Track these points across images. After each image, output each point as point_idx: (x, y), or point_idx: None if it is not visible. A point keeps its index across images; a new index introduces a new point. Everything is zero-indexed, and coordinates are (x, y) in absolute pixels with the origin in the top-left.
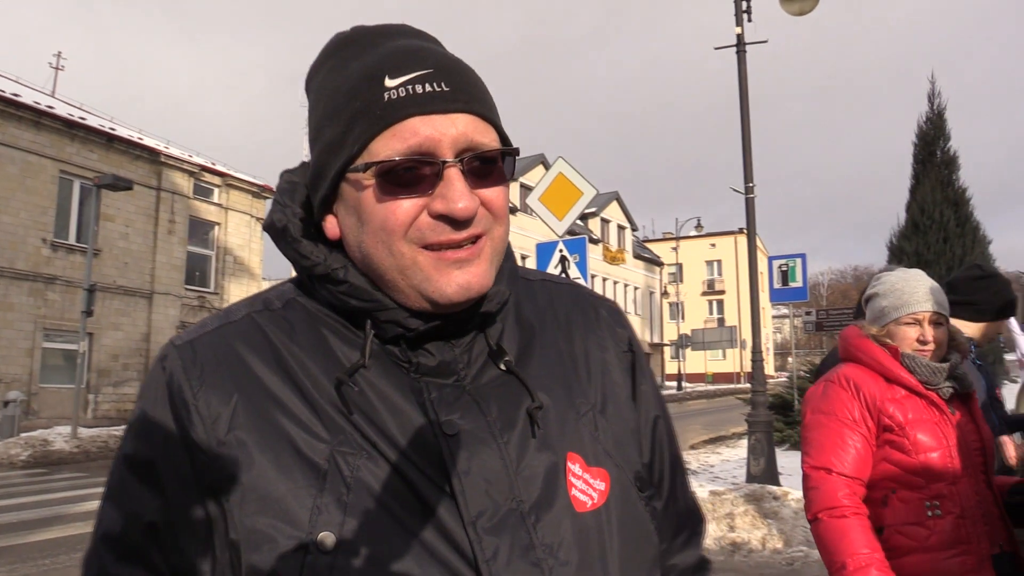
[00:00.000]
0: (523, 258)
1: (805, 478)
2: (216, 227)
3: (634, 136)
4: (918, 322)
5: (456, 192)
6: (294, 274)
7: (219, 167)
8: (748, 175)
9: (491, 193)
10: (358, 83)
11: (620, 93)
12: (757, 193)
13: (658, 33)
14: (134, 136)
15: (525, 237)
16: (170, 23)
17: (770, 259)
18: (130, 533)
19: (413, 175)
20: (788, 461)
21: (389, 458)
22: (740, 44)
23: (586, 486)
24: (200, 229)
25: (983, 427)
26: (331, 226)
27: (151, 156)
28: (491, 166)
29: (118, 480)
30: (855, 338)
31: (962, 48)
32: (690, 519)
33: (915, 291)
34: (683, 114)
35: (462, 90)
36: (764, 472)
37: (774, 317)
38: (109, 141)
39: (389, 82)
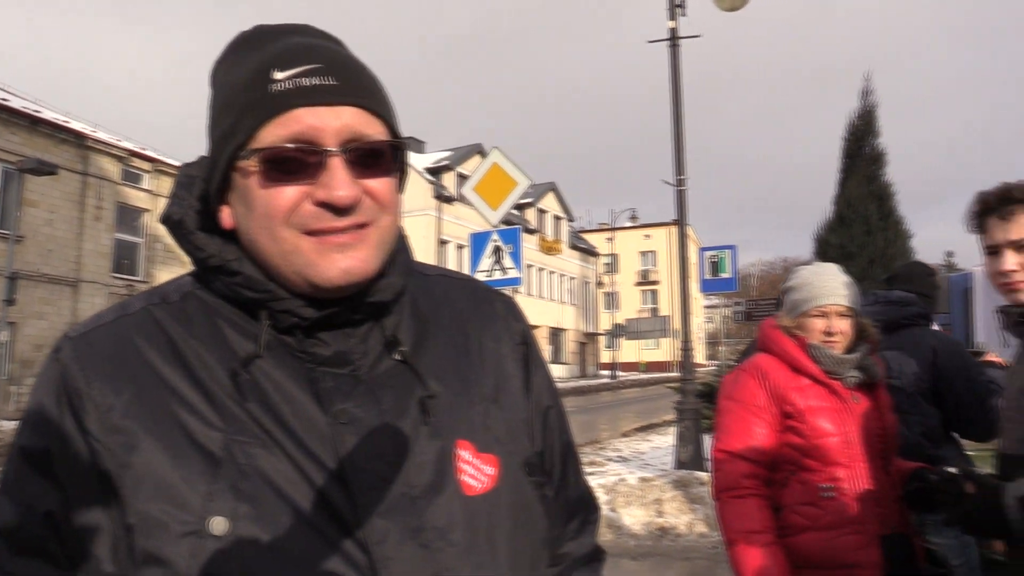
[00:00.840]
0: (459, 247)
1: (713, 460)
2: (146, 214)
3: (571, 127)
4: (825, 315)
5: (337, 180)
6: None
7: (149, 152)
8: (680, 168)
9: (376, 183)
10: (250, 77)
11: (558, 84)
12: (690, 186)
13: (595, 26)
14: (60, 119)
15: (461, 227)
16: (107, 4)
17: (701, 250)
18: (27, 525)
19: (296, 163)
20: None
21: (284, 446)
22: (674, 38)
23: (476, 471)
24: (129, 216)
25: (886, 415)
26: (226, 216)
27: (77, 140)
28: (377, 157)
29: (13, 473)
30: (768, 329)
31: (894, 48)
32: (582, 506)
33: (824, 285)
34: (620, 106)
35: (349, 84)
36: (692, 458)
37: (706, 307)
38: (33, 124)
39: (277, 75)
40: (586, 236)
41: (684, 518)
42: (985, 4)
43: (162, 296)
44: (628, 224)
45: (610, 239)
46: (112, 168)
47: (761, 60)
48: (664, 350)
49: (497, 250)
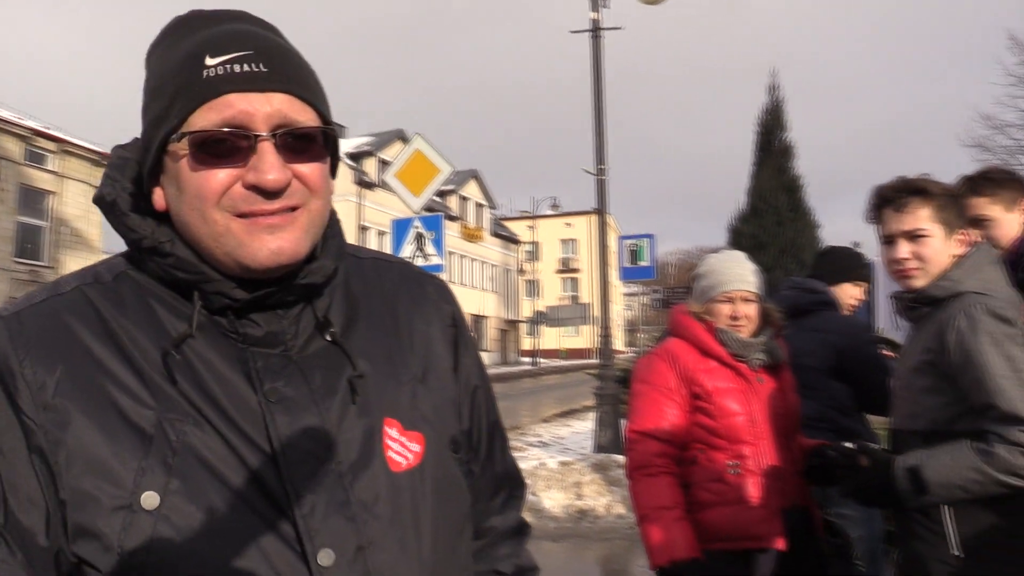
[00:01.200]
0: (380, 234)
1: (626, 441)
2: (51, 196)
3: (494, 115)
4: (731, 300)
5: (267, 164)
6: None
7: (55, 132)
8: (600, 157)
9: (306, 168)
10: (182, 62)
11: (481, 71)
12: (610, 175)
13: (518, 14)
14: None
15: (383, 213)
16: None
17: (621, 239)
18: None
19: (227, 147)
20: None
21: (215, 424)
22: (595, 29)
23: (402, 448)
24: (32, 198)
25: (789, 395)
26: (158, 198)
27: None
28: (308, 143)
29: None
30: (678, 315)
31: (806, 44)
32: (508, 482)
33: (730, 272)
34: (542, 95)
35: (280, 71)
36: (611, 442)
37: (625, 295)
38: None
39: (209, 60)
40: (508, 224)
41: (603, 500)
42: (889, 5)
43: (95, 276)
44: (549, 212)
45: (532, 227)
46: (14, 148)
47: (679, 53)
48: (584, 337)
49: (419, 237)
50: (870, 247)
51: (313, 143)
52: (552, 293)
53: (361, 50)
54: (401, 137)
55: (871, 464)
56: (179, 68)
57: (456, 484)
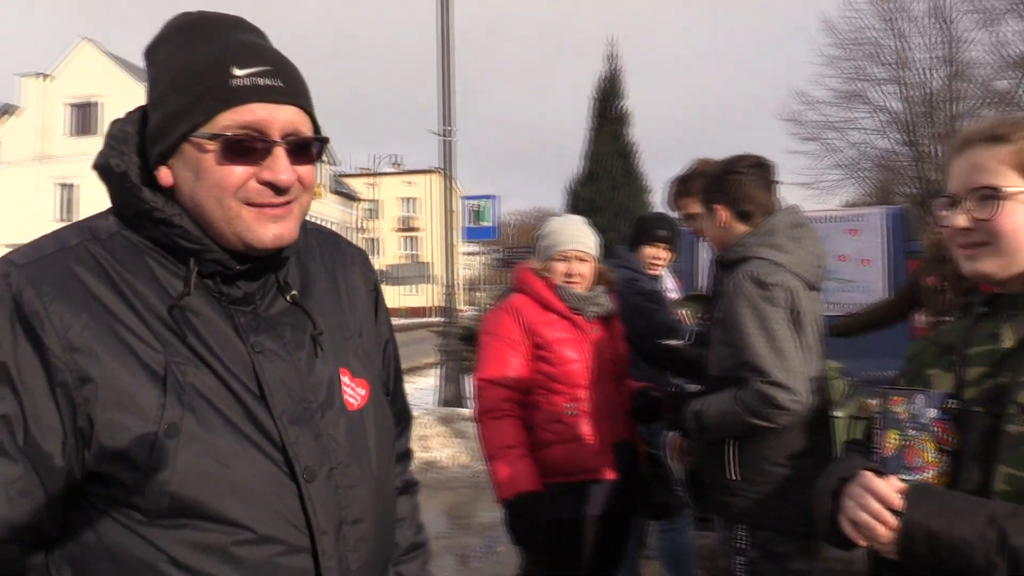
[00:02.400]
0: None
1: (475, 388)
2: None
3: (334, 69)
4: (567, 259)
5: (281, 166)
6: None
7: None
8: (447, 117)
9: (304, 170)
10: (208, 66)
11: (321, 22)
12: (456, 136)
13: None
14: None
15: None
16: None
17: (463, 199)
18: None
19: (248, 147)
20: None
21: (214, 368)
22: None
23: (353, 392)
24: None
25: (619, 343)
26: (164, 175)
27: None
28: (307, 149)
29: None
30: (521, 272)
31: (645, 15)
32: (405, 416)
33: (568, 233)
34: (386, 52)
35: (292, 87)
36: (454, 397)
37: (465, 254)
38: None
39: (237, 71)
40: (347, 181)
41: (447, 451)
42: None
43: (92, 233)
44: (390, 170)
45: (372, 184)
46: None
47: (522, 16)
48: (424, 296)
49: None
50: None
51: (310, 149)
52: (392, 252)
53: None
54: None
55: (673, 406)
56: (205, 72)
57: (388, 419)
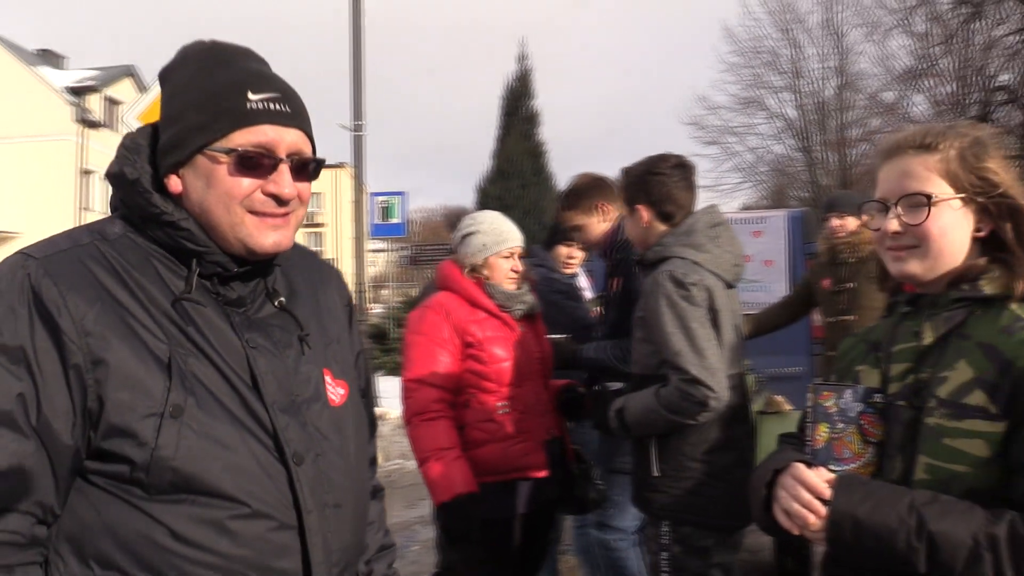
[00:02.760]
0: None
1: (404, 389)
2: None
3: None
4: (513, 255)
5: (285, 181)
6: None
7: None
8: (358, 112)
9: (303, 186)
10: (226, 89)
11: (225, 10)
12: (367, 131)
13: None
14: None
15: (110, 156)
16: None
17: (372, 195)
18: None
19: (257, 163)
20: (386, 385)
21: (212, 359)
22: None
23: (335, 390)
24: None
25: (544, 341)
26: (174, 183)
27: None
28: (306, 167)
29: None
30: (448, 270)
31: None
32: (373, 423)
33: (510, 230)
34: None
35: (297, 113)
36: None
37: (371, 251)
38: None
39: (252, 96)
40: None
41: None
42: None
43: (101, 234)
44: None
45: None
46: None
47: (433, 13)
48: None
49: None
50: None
51: (308, 168)
52: None
53: None
54: (130, 73)
55: (597, 403)
56: (224, 94)
57: (364, 419)
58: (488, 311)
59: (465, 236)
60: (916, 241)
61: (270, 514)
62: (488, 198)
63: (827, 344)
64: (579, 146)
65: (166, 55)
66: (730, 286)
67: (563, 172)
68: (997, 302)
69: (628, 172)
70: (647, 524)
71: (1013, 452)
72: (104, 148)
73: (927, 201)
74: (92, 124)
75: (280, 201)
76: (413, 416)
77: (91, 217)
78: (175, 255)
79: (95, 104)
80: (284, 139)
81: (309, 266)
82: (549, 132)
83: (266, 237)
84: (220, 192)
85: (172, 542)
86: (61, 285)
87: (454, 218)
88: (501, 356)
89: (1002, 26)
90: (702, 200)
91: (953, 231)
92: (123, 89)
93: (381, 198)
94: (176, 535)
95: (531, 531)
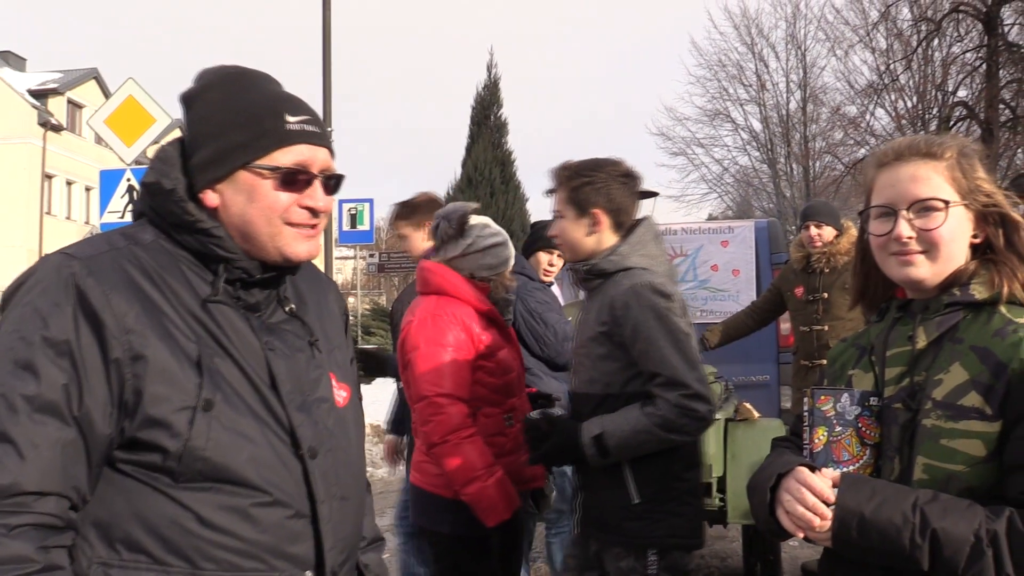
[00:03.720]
0: (68, 183)
1: (429, 406)
2: None
3: (203, 63)
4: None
5: (319, 195)
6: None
7: None
8: (327, 119)
9: (329, 200)
10: (266, 111)
11: (196, 18)
12: (335, 138)
13: None
14: None
15: (72, 160)
16: None
17: (340, 202)
18: (46, 392)
19: (296, 179)
20: None
21: (235, 359)
22: None
23: (339, 392)
24: None
25: (519, 349)
26: (211, 197)
27: None
28: (332, 183)
29: (35, 355)
30: (450, 275)
31: (522, 23)
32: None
33: (512, 248)
34: (264, 50)
35: (325, 134)
36: None
37: (337, 258)
38: None
39: (290, 118)
40: None
41: None
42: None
43: (134, 240)
44: None
45: None
46: None
47: (405, 19)
48: None
49: (131, 189)
50: None
51: (332, 183)
52: None
53: None
54: (94, 76)
55: (557, 432)
56: (264, 116)
57: (362, 420)
58: (492, 319)
59: (492, 246)
60: (926, 246)
61: (288, 503)
62: None
63: (799, 352)
64: (545, 155)
65: (130, 59)
66: None
67: (529, 182)
68: (987, 306)
69: (581, 172)
70: (617, 556)
71: (1008, 451)
72: (66, 152)
73: (944, 206)
74: (54, 128)
75: (315, 213)
76: (450, 434)
77: (52, 222)
78: (201, 260)
79: (57, 107)
80: (317, 158)
81: (310, 276)
82: (515, 141)
83: (301, 246)
84: (263, 206)
85: (199, 527)
86: (104, 285)
87: (455, 217)
88: (508, 366)
89: (960, 43)
90: (670, 210)
91: (960, 237)
92: (86, 92)
93: (349, 205)
94: (203, 520)
95: (510, 540)
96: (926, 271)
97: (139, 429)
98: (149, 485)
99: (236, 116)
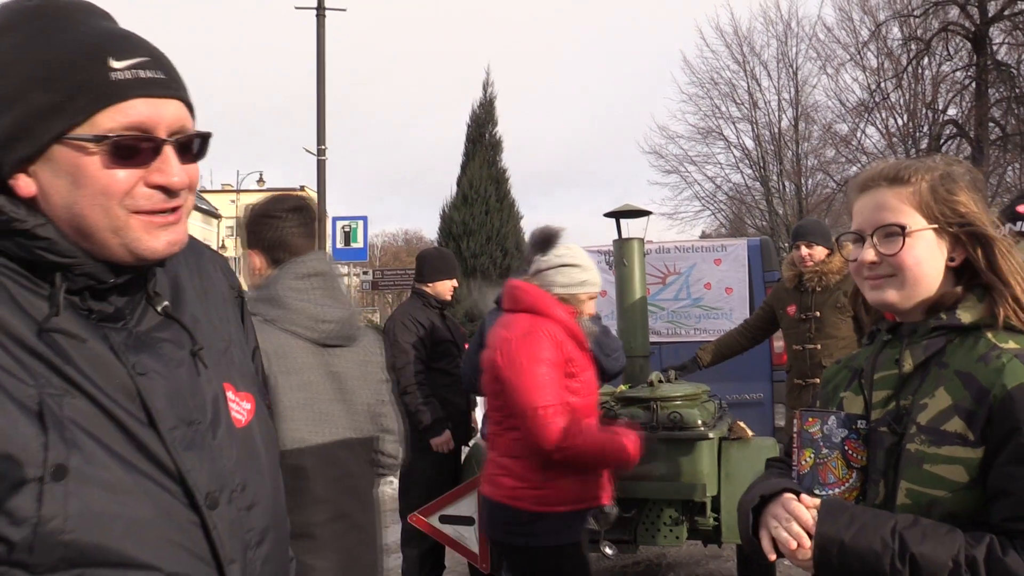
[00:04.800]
0: None
1: (537, 418)
2: None
3: (201, 82)
4: (594, 298)
5: (173, 167)
6: None
7: None
8: (321, 137)
9: (191, 169)
10: (80, 58)
11: (190, 35)
12: (329, 156)
13: None
14: None
15: None
16: None
17: (333, 219)
18: None
19: (135, 149)
20: None
21: (93, 396)
22: (320, 8)
23: (239, 407)
24: None
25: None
26: (25, 184)
27: None
28: (191, 146)
29: None
30: (544, 295)
31: (515, 46)
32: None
33: (595, 271)
34: (258, 68)
35: (174, 79)
36: None
37: None
38: None
39: (115, 63)
40: (208, 197)
41: None
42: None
43: None
44: (255, 187)
45: (234, 201)
46: None
47: (401, 40)
48: None
49: None
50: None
51: (193, 146)
52: None
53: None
54: None
55: None
56: (76, 64)
57: (273, 431)
58: (580, 343)
59: (564, 266)
60: (893, 270)
61: (187, 573)
62: (452, 223)
63: (792, 371)
64: (539, 173)
65: None
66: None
67: (523, 200)
68: (974, 330)
69: (246, 212)
70: None
71: (990, 478)
72: None
73: (901, 232)
74: None
75: (169, 193)
76: (568, 437)
77: None
78: (29, 270)
79: None
80: (163, 115)
81: (190, 254)
82: (510, 159)
83: (158, 240)
84: (93, 191)
85: None
86: None
87: (544, 237)
88: (592, 387)
89: (950, 62)
90: (664, 227)
91: (928, 260)
92: None
93: (343, 222)
94: None
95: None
96: (895, 295)
97: None
98: None
99: (38, 68)
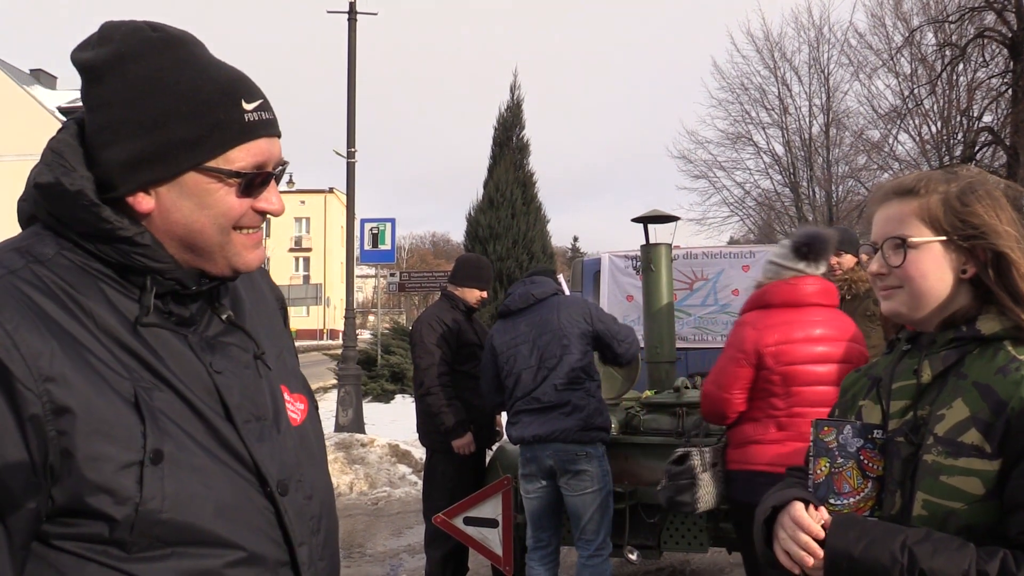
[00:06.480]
0: None
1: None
2: None
3: None
4: None
5: (276, 197)
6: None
7: None
8: (351, 140)
9: (282, 202)
10: (216, 96)
11: (225, 38)
12: (358, 158)
13: None
14: None
15: None
16: None
17: (362, 221)
18: None
19: (256, 182)
20: (372, 411)
21: (178, 390)
22: (352, 12)
23: (294, 407)
24: None
25: None
26: (143, 201)
27: None
28: (279, 176)
29: None
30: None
31: (545, 48)
32: None
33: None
34: (289, 71)
35: (276, 119)
36: (352, 422)
37: (358, 277)
38: None
39: (247, 106)
40: None
41: (346, 478)
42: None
43: (34, 256)
44: (284, 189)
45: None
46: None
47: (432, 44)
48: (314, 318)
49: None
50: (586, 242)
51: (279, 176)
52: (283, 271)
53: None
54: None
55: None
56: (214, 102)
57: (321, 432)
58: None
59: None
60: (899, 282)
61: (265, 555)
62: (478, 227)
63: None
64: (566, 177)
65: None
66: None
67: (550, 203)
68: (994, 342)
69: None
70: None
71: (1007, 491)
72: None
73: (904, 244)
74: None
75: (263, 216)
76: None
77: None
78: (121, 274)
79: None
80: (274, 152)
81: None
82: (537, 163)
83: (252, 255)
84: (216, 213)
85: None
86: (7, 321)
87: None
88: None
89: (985, 68)
90: (692, 232)
91: (935, 272)
92: None
93: (371, 224)
94: None
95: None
96: (902, 306)
97: (75, 497)
98: (95, 561)
99: (179, 102)
